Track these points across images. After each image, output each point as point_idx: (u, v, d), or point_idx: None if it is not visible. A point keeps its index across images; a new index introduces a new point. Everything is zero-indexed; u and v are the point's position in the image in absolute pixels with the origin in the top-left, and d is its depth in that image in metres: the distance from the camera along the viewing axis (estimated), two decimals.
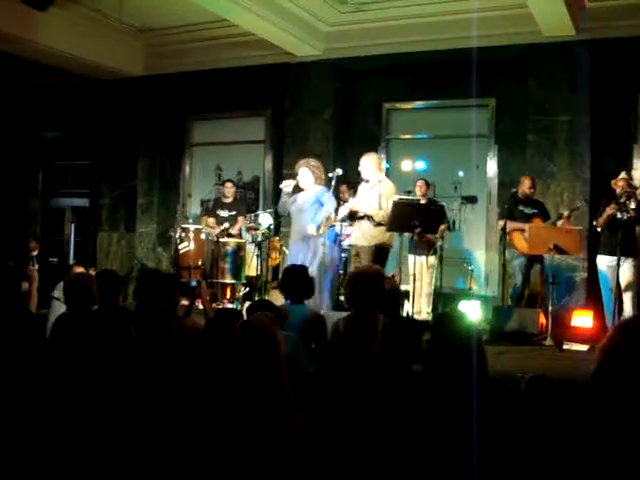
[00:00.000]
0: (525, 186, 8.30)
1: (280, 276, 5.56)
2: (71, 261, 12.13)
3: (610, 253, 7.29)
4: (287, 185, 7.85)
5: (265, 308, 4.61)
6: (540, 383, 2.82)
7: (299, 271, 5.26)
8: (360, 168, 7.86)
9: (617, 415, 2.37)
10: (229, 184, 10.23)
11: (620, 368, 2.43)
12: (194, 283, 8.65)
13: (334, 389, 2.84)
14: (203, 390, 2.89)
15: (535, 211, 8.22)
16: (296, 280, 5.12)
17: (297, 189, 7.89)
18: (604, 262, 7.48)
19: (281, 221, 10.06)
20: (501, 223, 8.18)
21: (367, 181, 7.83)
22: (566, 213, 7.83)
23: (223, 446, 2.51)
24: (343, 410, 2.67)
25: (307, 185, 7.75)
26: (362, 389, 2.77)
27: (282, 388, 2.60)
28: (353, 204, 7.70)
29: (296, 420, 2.54)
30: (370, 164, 7.82)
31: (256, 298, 8.77)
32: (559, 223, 7.78)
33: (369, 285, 4.10)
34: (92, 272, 7.68)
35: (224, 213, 9.91)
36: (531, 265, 8.09)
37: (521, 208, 8.20)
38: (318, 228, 7.49)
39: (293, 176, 8.03)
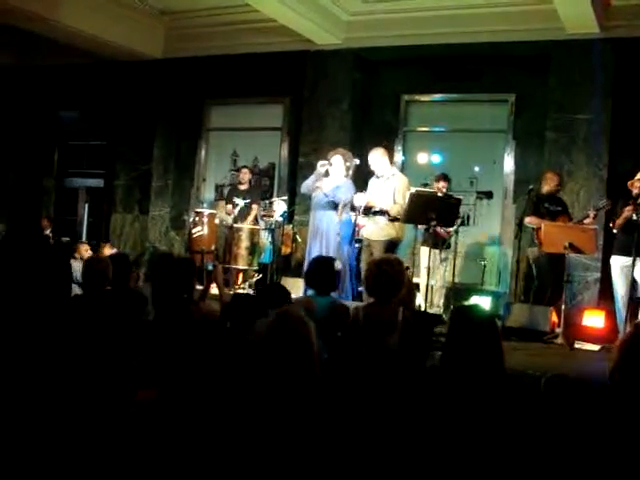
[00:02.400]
0: (553, 183, 8.20)
1: (306, 267, 5.56)
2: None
3: (625, 254, 7.24)
4: (322, 165, 7.88)
5: (276, 291, 4.62)
6: (560, 382, 2.83)
7: (325, 262, 5.24)
8: (371, 163, 7.87)
9: (635, 411, 2.37)
10: (245, 170, 10.24)
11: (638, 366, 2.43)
12: (210, 267, 8.68)
13: (350, 376, 2.86)
14: (224, 374, 2.90)
15: (559, 209, 8.16)
16: (322, 272, 5.11)
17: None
18: (618, 263, 7.43)
19: (295, 209, 10.09)
20: (528, 220, 8.07)
21: (378, 176, 7.84)
22: (592, 213, 7.72)
23: (244, 433, 2.52)
24: (358, 398, 2.68)
25: (336, 175, 7.83)
26: (378, 378, 2.78)
27: (314, 378, 2.60)
28: (369, 199, 7.70)
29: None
30: (382, 157, 7.84)
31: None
32: (586, 221, 7.67)
33: (390, 275, 4.11)
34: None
35: (239, 200, 9.91)
36: (555, 263, 7.81)
37: (547, 205, 8.12)
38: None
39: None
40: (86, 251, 7.65)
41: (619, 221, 7.24)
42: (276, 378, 2.61)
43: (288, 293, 4.73)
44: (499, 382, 2.84)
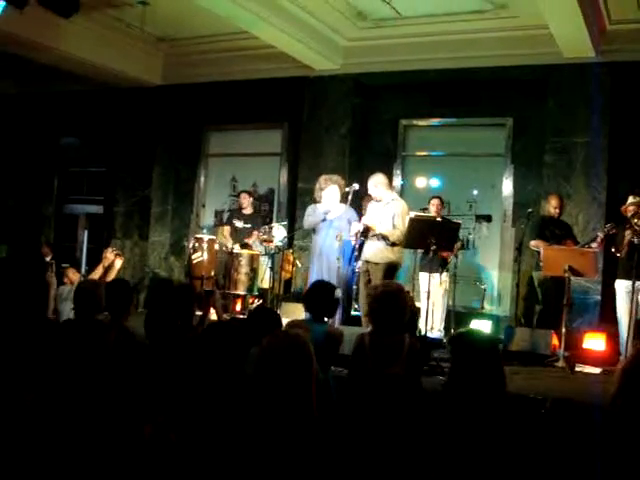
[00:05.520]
0: (550, 205, 8.26)
1: (306, 291, 5.50)
2: (83, 268, 12.15)
3: (630, 278, 7.25)
4: (332, 203, 7.99)
5: (267, 315, 4.60)
6: (562, 405, 2.82)
7: (325, 288, 5.16)
8: (371, 190, 7.89)
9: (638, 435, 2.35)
10: (244, 194, 10.24)
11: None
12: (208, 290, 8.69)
13: (361, 403, 2.85)
14: (220, 398, 2.88)
15: (564, 232, 8.17)
16: (321, 297, 5.05)
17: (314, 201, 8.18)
18: (623, 286, 7.43)
19: (294, 234, 10.09)
20: (534, 243, 8.10)
21: (378, 201, 7.88)
22: (600, 236, 7.69)
23: (241, 453, 2.51)
24: (367, 423, 2.67)
25: (334, 203, 7.90)
26: (387, 404, 2.78)
27: (310, 401, 2.60)
28: (369, 221, 7.72)
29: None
30: (382, 183, 7.88)
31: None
32: (593, 245, 7.65)
33: (395, 302, 4.09)
34: (72, 273, 7.73)
35: (240, 224, 9.88)
36: (561, 286, 7.65)
37: (552, 228, 8.13)
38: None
39: (312, 190, 8.21)
40: (74, 274, 7.65)
41: (623, 247, 7.24)
42: (273, 400, 2.61)
43: (279, 318, 4.69)
44: (501, 406, 2.82)
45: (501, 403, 2.75)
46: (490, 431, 2.61)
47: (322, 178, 8.25)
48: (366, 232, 7.74)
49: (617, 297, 7.49)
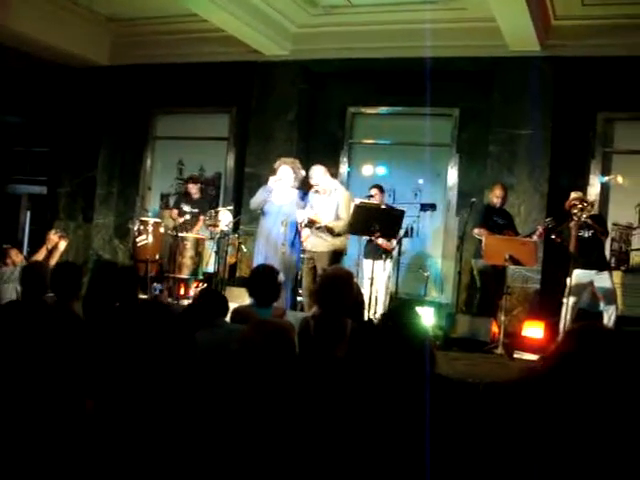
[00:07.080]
0: (494, 195, 8.41)
1: (249, 275, 5.48)
2: (25, 249, 11.97)
3: (583, 267, 7.53)
4: (275, 181, 7.90)
5: (213, 298, 4.61)
6: (496, 389, 2.89)
7: (268, 273, 5.16)
8: (314, 180, 7.90)
9: (566, 418, 2.43)
10: (192, 184, 10.20)
11: (570, 373, 2.50)
12: (157, 290, 8.69)
13: (301, 385, 2.89)
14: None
15: (506, 222, 8.33)
16: (264, 282, 5.04)
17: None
18: (576, 275, 7.60)
19: (240, 219, 10.09)
20: (477, 231, 8.23)
21: (319, 191, 7.90)
22: (540, 230, 7.88)
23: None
24: (306, 405, 2.72)
25: (286, 186, 7.85)
26: (327, 386, 2.83)
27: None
28: (312, 214, 7.74)
29: None
30: (325, 174, 7.92)
31: None
32: (534, 237, 7.84)
33: (342, 286, 4.13)
34: (15, 254, 7.61)
35: (187, 208, 9.88)
36: (501, 274, 7.95)
37: (495, 218, 8.28)
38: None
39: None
40: (17, 255, 7.54)
41: (572, 243, 7.46)
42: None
43: (226, 301, 4.69)
44: (430, 388, 2.86)
45: (427, 384, 2.79)
46: (414, 409, 2.66)
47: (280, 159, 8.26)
48: (311, 224, 7.77)
49: (571, 287, 7.61)
